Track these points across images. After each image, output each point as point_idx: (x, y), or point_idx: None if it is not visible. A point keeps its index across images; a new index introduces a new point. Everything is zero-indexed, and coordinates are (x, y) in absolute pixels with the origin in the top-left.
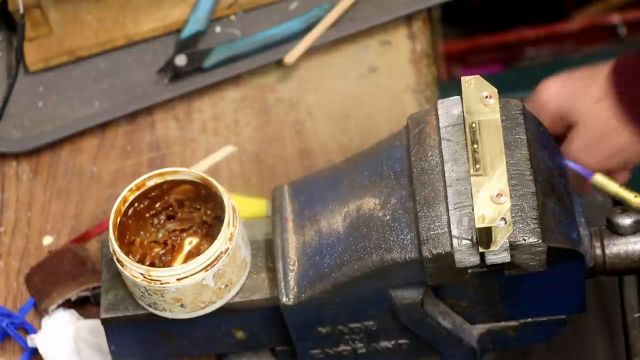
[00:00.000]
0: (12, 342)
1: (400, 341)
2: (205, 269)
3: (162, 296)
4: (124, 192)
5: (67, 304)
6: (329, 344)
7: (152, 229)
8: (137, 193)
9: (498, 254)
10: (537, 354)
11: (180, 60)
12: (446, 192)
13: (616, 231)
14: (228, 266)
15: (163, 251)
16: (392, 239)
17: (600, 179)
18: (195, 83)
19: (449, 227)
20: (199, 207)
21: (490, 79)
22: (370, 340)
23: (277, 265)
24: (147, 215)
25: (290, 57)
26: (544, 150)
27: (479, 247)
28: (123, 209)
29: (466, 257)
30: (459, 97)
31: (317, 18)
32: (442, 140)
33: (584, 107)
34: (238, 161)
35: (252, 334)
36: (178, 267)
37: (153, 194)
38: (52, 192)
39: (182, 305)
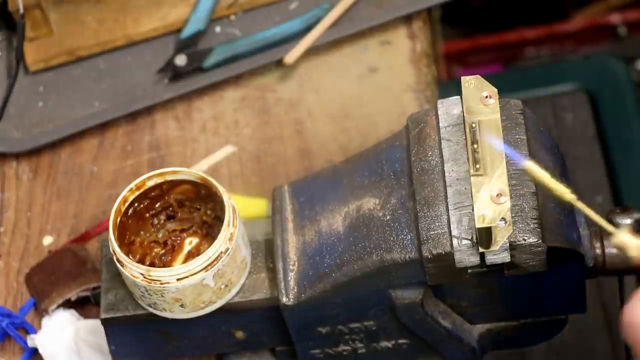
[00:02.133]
0: (12, 342)
1: (400, 341)
2: (205, 269)
3: (162, 296)
4: (124, 192)
5: (67, 304)
6: (329, 344)
7: (152, 229)
8: (137, 193)
9: (498, 254)
10: (537, 354)
11: (180, 60)
12: (446, 192)
13: None
14: (228, 266)
15: (163, 251)
16: (392, 239)
17: (530, 165)
18: (195, 83)
19: (449, 227)
20: (199, 207)
21: (490, 79)
22: (370, 340)
23: (277, 265)
24: (147, 215)
25: (290, 57)
26: (544, 150)
27: (479, 247)
28: (123, 209)
29: (466, 257)
30: (459, 97)
31: (317, 18)
32: (442, 140)
33: None
34: (238, 161)
35: (252, 334)
36: (178, 267)
37: (153, 194)
38: (52, 192)
39: (182, 305)
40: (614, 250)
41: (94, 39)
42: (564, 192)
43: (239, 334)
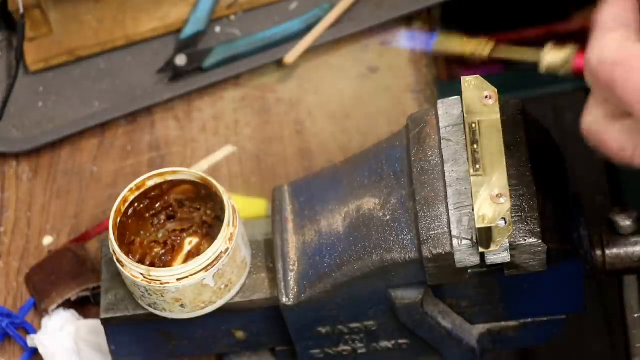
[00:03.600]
0: (12, 342)
1: (400, 341)
2: (205, 269)
3: (162, 296)
4: (124, 192)
5: (67, 304)
6: (329, 344)
7: (152, 229)
8: (137, 193)
9: (498, 254)
10: (537, 354)
11: (180, 60)
12: (446, 192)
13: (616, 231)
14: (228, 266)
15: (163, 251)
16: (392, 239)
17: (442, 39)
18: (195, 83)
19: (449, 227)
20: (199, 207)
21: (490, 79)
22: (370, 340)
23: (277, 265)
24: (147, 215)
25: (290, 57)
26: (544, 150)
27: (479, 247)
28: (123, 209)
29: (466, 257)
30: (459, 97)
31: (317, 18)
32: (442, 140)
33: None
34: (238, 161)
35: (252, 334)
36: (178, 267)
37: (153, 194)
38: (52, 192)
39: (182, 305)
40: (614, 251)
41: (94, 39)
42: (480, 44)
43: (239, 334)
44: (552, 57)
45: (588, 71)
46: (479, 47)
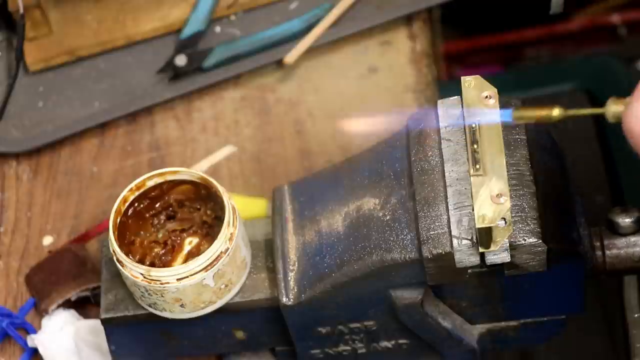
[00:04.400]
0: (12, 342)
1: (400, 341)
2: (205, 269)
3: (162, 296)
4: (124, 192)
5: (67, 304)
6: (329, 344)
7: (152, 229)
8: (137, 193)
9: (498, 254)
10: (537, 354)
11: (180, 60)
12: (446, 192)
13: (616, 231)
14: (228, 266)
15: (163, 251)
16: (392, 239)
17: (518, 112)
18: (195, 83)
19: (449, 227)
20: (199, 207)
21: (490, 79)
22: (370, 340)
23: (277, 265)
24: (147, 215)
25: (290, 57)
26: (544, 150)
27: (479, 247)
28: (123, 209)
29: (466, 257)
30: (459, 97)
31: (317, 18)
32: (442, 140)
33: None
34: (238, 161)
35: (252, 334)
36: (178, 267)
37: (153, 194)
38: (52, 192)
39: (182, 305)
40: (614, 250)
41: (94, 39)
42: (552, 110)
43: (239, 334)
44: (616, 107)
45: (626, 135)
46: (550, 112)
